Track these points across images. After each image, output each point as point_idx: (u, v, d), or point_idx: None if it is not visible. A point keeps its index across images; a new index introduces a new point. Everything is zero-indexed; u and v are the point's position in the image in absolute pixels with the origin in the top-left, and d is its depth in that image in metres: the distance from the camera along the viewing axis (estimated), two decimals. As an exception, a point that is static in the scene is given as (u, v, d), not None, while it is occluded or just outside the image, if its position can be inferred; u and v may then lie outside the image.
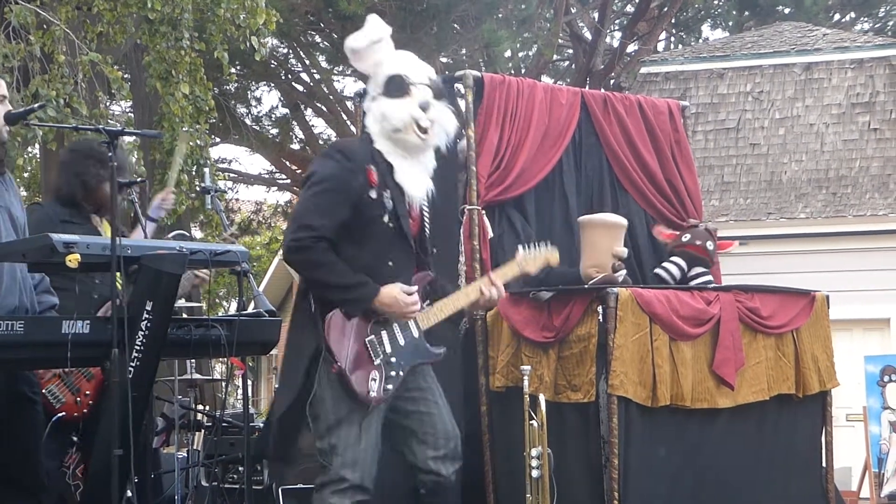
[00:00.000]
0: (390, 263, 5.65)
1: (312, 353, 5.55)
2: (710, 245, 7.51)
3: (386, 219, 5.64)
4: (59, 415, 5.71)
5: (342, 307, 5.53)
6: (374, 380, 5.54)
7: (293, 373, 5.64)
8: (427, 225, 5.87)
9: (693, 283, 7.43)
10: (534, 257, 6.14)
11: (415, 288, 5.67)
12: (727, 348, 6.85)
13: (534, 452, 6.12)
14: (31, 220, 5.68)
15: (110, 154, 5.29)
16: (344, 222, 5.55)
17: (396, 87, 5.78)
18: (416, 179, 5.77)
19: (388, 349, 5.59)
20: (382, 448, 5.62)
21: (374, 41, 5.85)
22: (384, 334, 5.60)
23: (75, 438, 6.24)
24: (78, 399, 6.04)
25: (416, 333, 5.70)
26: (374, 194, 5.61)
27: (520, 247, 6.17)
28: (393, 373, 5.58)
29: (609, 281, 6.81)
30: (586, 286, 6.84)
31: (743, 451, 7.04)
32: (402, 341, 5.64)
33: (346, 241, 5.57)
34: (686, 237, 7.49)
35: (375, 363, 5.56)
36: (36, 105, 5.72)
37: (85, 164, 6.45)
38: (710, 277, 7.52)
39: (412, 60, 5.93)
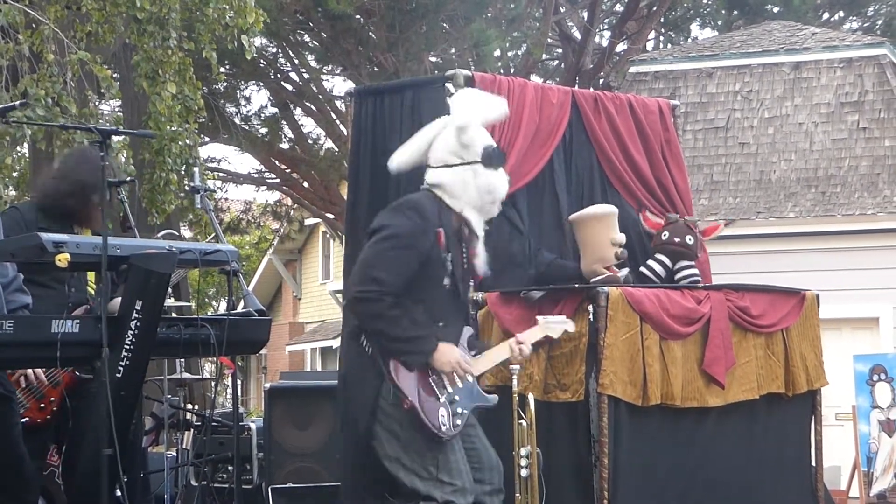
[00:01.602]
0: (441, 324, 5.78)
1: (375, 394, 5.69)
2: (689, 239, 7.51)
3: (446, 281, 5.78)
4: (23, 420, 5.68)
5: (400, 357, 5.66)
6: (443, 415, 5.67)
7: (358, 414, 5.81)
8: (471, 287, 6.07)
9: (678, 276, 7.44)
10: (554, 324, 6.31)
11: (468, 356, 5.80)
12: (717, 347, 6.86)
13: (523, 452, 6.12)
14: (4, 224, 5.54)
15: (102, 154, 5.27)
16: (411, 278, 5.67)
17: (494, 158, 5.88)
18: (483, 254, 5.94)
19: (450, 389, 5.73)
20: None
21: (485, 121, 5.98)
22: (444, 376, 5.73)
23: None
24: (42, 405, 6.02)
25: (470, 378, 5.83)
26: (441, 255, 5.74)
27: (539, 318, 6.31)
28: (459, 409, 5.72)
29: (613, 281, 6.83)
30: (591, 282, 6.84)
31: (733, 450, 7.05)
32: (460, 383, 5.76)
33: (407, 297, 5.67)
34: (665, 235, 7.50)
35: (441, 401, 5.69)
36: (17, 103, 5.68)
37: (93, 176, 6.29)
38: (695, 271, 7.52)
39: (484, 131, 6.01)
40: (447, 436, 5.64)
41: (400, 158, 6.01)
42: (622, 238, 7.02)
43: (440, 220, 5.76)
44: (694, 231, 7.59)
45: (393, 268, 5.64)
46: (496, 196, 5.87)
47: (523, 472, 6.12)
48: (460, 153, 5.86)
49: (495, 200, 5.88)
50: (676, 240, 7.49)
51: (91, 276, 6.37)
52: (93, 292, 6.37)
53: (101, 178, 6.10)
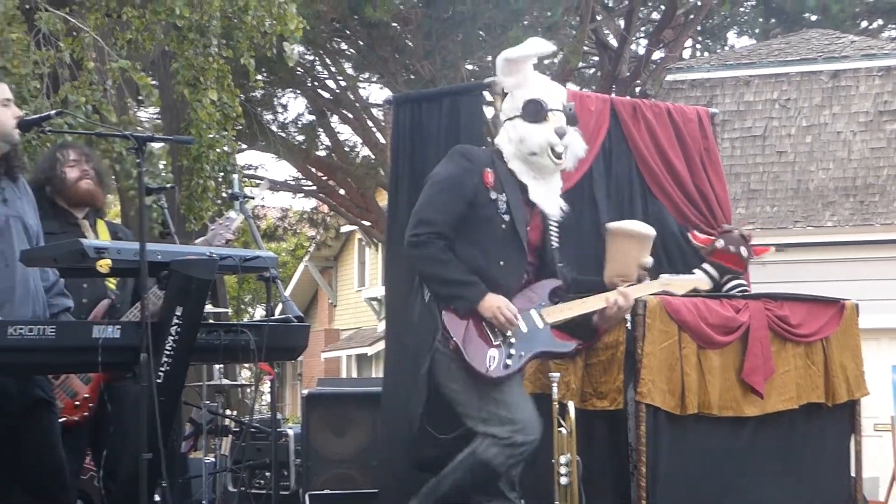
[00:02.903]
0: (501, 263, 6.02)
1: (433, 337, 5.97)
2: (744, 251, 7.45)
3: (500, 220, 6.01)
4: (59, 420, 5.72)
5: (450, 303, 5.92)
6: (493, 357, 5.90)
7: (415, 387, 6.10)
8: (553, 238, 6.24)
9: (727, 287, 7.39)
10: (680, 282, 6.62)
11: (514, 309, 5.94)
12: (756, 356, 6.83)
13: (563, 459, 6.12)
14: None
15: (139, 160, 5.29)
16: (460, 219, 5.97)
17: (535, 111, 6.20)
18: (549, 198, 6.20)
19: (508, 332, 5.92)
20: None
21: (529, 56, 6.27)
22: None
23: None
24: (76, 403, 6.06)
25: (539, 324, 6.07)
26: (491, 195, 6.02)
27: (663, 275, 6.67)
28: (513, 351, 5.93)
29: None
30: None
31: (770, 459, 7.01)
32: (524, 328, 5.99)
33: (461, 237, 5.97)
34: (720, 243, 7.44)
35: (494, 343, 5.91)
36: (53, 112, 5.71)
37: (48, 171, 6.39)
38: (743, 284, 7.48)
39: (549, 85, 6.38)
40: (493, 376, 5.85)
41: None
42: (649, 263, 7.00)
43: (493, 163, 6.11)
44: (748, 244, 7.53)
45: (439, 208, 6.00)
46: (530, 147, 6.13)
47: (563, 480, 6.12)
48: (508, 111, 6.31)
49: (534, 152, 6.13)
50: (731, 249, 7.44)
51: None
52: (112, 286, 6.40)
53: (57, 166, 6.33)
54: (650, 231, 7.15)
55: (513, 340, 5.93)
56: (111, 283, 6.35)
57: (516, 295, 6.08)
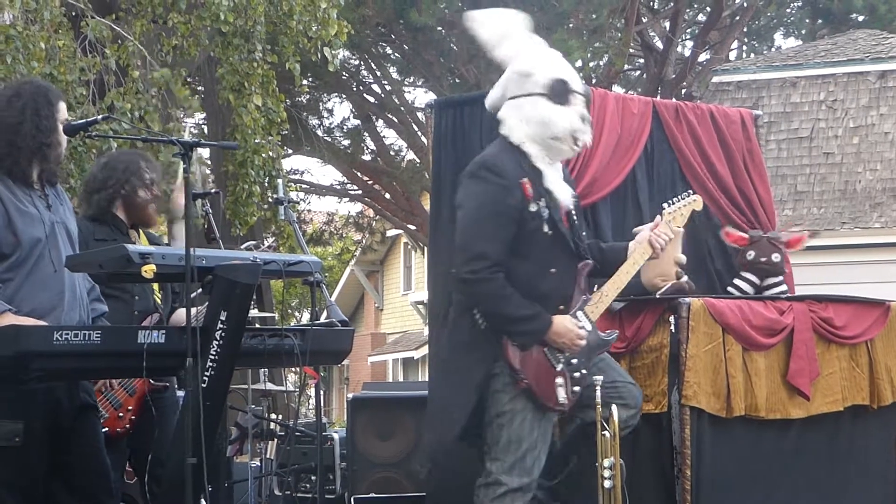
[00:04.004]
0: (553, 270, 5.76)
1: (485, 373, 5.71)
2: (776, 257, 7.44)
3: (545, 228, 5.72)
4: (104, 430, 5.77)
5: (515, 339, 5.67)
6: (561, 386, 5.73)
7: (462, 395, 5.79)
8: (575, 221, 5.92)
9: (768, 293, 7.38)
10: (679, 209, 6.32)
11: (577, 328, 5.78)
12: (801, 358, 6.80)
13: (606, 463, 6.10)
14: None
15: (185, 166, 5.32)
16: (511, 241, 5.64)
17: (562, 92, 5.76)
18: (561, 185, 5.83)
19: (567, 352, 5.75)
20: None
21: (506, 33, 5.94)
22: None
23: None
24: (120, 414, 6.11)
25: (588, 326, 5.87)
26: (532, 207, 5.67)
27: (664, 204, 6.30)
28: (577, 374, 5.77)
29: (679, 289, 6.79)
30: (657, 295, 6.82)
31: (816, 461, 6.99)
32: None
33: (510, 256, 5.65)
34: (750, 255, 7.42)
35: (558, 369, 5.74)
36: (100, 116, 5.75)
37: (123, 177, 6.44)
38: (784, 287, 7.47)
39: (567, 66, 5.94)
40: (566, 407, 5.73)
41: (491, 97, 6.01)
42: (683, 259, 6.98)
43: (522, 169, 5.70)
44: (778, 247, 7.51)
45: (493, 237, 5.61)
46: (555, 131, 5.73)
47: (607, 484, 6.10)
48: (521, 84, 5.80)
49: (557, 136, 5.74)
50: (763, 259, 7.43)
51: (156, 285, 6.46)
52: (159, 301, 6.46)
53: (137, 183, 6.34)
54: (678, 229, 7.15)
55: (574, 360, 5.78)
56: (158, 297, 6.41)
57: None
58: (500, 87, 5.95)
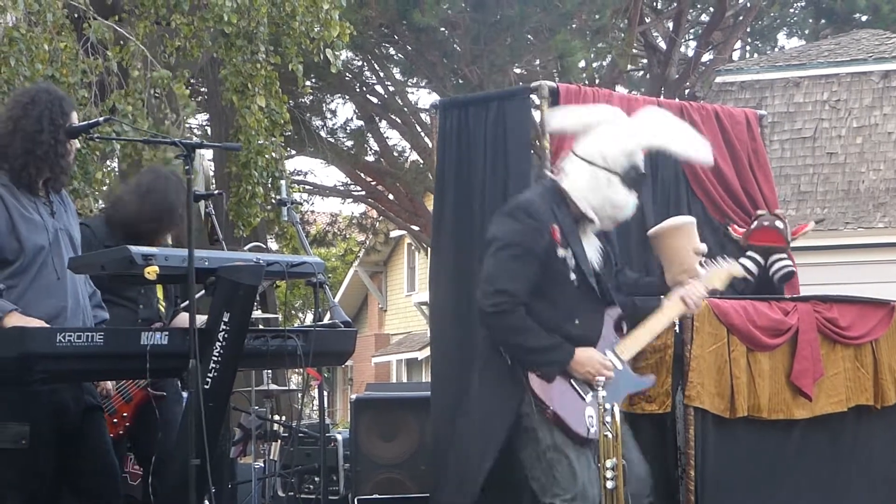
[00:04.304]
0: (577, 321, 5.82)
1: (515, 408, 5.75)
2: (779, 224, 7.47)
3: (572, 276, 5.80)
4: None
5: (538, 369, 5.72)
6: (591, 416, 5.73)
7: (493, 430, 5.83)
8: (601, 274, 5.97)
9: (773, 269, 7.39)
10: (717, 274, 6.38)
11: (610, 357, 5.85)
12: (805, 359, 6.79)
13: (608, 464, 6.09)
14: None
15: (187, 167, 5.31)
16: (535, 282, 5.72)
17: (635, 181, 5.94)
18: (591, 245, 5.95)
19: (599, 385, 5.72)
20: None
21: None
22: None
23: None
24: (115, 420, 6.12)
25: (619, 366, 5.90)
26: (559, 252, 5.76)
27: (699, 268, 6.30)
28: (607, 406, 5.68)
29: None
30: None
31: (820, 462, 6.98)
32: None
33: (536, 299, 5.73)
34: (755, 224, 7.46)
35: (587, 401, 5.75)
36: (101, 119, 5.74)
37: (179, 200, 6.22)
38: (789, 262, 7.48)
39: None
40: (596, 437, 5.68)
41: (562, 118, 6.18)
42: (703, 247, 6.96)
43: (555, 216, 5.80)
44: (783, 219, 7.55)
45: (517, 276, 5.72)
46: (619, 215, 5.93)
47: (609, 485, 6.08)
48: (606, 157, 5.89)
49: (615, 218, 5.94)
50: (766, 223, 7.46)
51: (160, 293, 6.45)
52: (163, 309, 6.45)
53: (186, 201, 6.15)
54: (689, 218, 7.13)
55: (603, 395, 5.71)
56: (163, 305, 6.40)
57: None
58: (574, 125, 6.11)
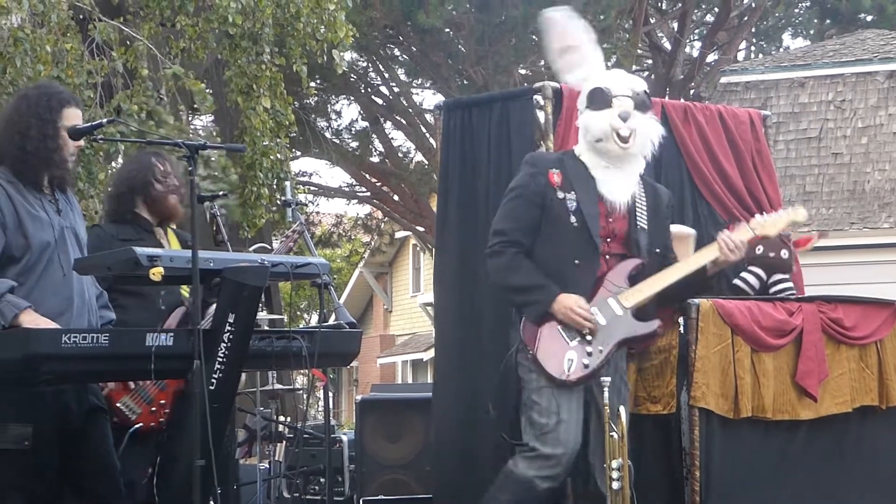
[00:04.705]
0: (576, 262, 5.98)
1: (512, 353, 6.02)
2: (785, 254, 7.45)
3: (571, 219, 5.97)
4: (137, 426, 5.76)
5: (524, 310, 5.95)
6: (572, 360, 5.89)
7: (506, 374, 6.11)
8: (640, 224, 6.13)
9: (773, 290, 7.38)
10: (773, 221, 6.48)
11: (585, 305, 5.92)
12: (810, 359, 6.79)
13: (614, 464, 6.10)
14: (88, 243, 5.66)
15: (191, 168, 5.31)
16: (534, 224, 5.98)
17: (598, 99, 6.13)
18: (619, 185, 6.08)
19: (585, 330, 5.90)
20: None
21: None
22: None
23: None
24: (153, 409, 6.08)
25: (619, 311, 6.01)
26: (558, 195, 5.98)
27: (756, 215, 6.55)
28: (590, 349, 5.90)
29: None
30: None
31: (824, 462, 6.97)
32: (602, 321, 5.95)
33: (539, 241, 5.98)
34: (759, 249, 7.43)
35: (570, 344, 5.90)
36: (104, 120, 5.75)
37: (140, 180, 6.45)
38: (790, 285, 7.46)
39: (618, 75, 6.32)
40: (573, 379, 5.86)
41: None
42: None
43: (561, 164, 6.07)
44: (788, 245, 7.52)
45: (509, 216, 6.02)
46: (595, 134, 6.06)
47: (615, 485, 6.09)
48: (579, 106, 6.27)
49: (599, 138, 6.06)
50: (771, 255, 7.44)
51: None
52: (187, 294, 6.44)
53: (150, 177, 6.35)
54: (690, 231, 7.19)
55: (590, 338, 5.90)
56: (185, 290, 6.39)
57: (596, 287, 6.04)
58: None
